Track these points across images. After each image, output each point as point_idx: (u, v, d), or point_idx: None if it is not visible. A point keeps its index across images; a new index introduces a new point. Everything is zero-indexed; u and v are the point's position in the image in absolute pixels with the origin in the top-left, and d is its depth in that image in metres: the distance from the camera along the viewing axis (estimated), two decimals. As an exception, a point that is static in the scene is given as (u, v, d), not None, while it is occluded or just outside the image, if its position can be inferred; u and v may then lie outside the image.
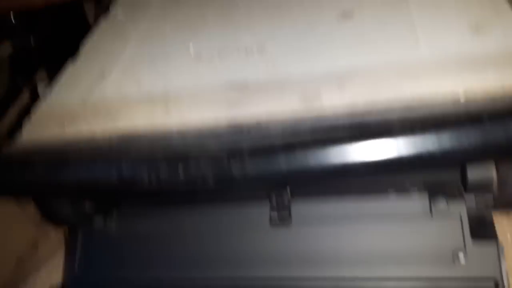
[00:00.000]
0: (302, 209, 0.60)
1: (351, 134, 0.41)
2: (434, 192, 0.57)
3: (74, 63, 0.71)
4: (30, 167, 0.50)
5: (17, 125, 0.66)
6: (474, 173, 0.55)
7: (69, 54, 0.74)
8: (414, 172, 0.57)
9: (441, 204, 0.56)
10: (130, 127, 0.57)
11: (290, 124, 0.49)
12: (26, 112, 0.68)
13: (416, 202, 0.57)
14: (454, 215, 0.55)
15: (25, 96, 0.81)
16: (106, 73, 0.67)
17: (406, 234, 0.56)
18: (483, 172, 0.55)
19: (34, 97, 0.77)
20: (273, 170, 0.40)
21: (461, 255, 0.53)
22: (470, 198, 0.56)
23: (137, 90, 0.63)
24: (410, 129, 0.39)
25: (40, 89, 0.81)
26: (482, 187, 0.55)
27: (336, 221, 0.58)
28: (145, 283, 0.63)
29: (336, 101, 0.51)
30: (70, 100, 0.65)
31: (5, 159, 0.54)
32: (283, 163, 0.40)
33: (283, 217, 0.60)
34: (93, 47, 0.74)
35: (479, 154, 0.38)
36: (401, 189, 0.58)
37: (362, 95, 0.50)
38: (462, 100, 0.46)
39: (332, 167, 0.40)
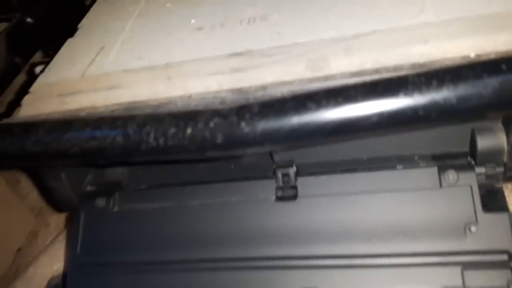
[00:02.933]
0: (308, 186, 0.58)
1: (363, 89, 0.39)
2: (444, 165, 0.55)
3: (73, 39, 0.70)
4: (30, 133, 0.48)
5: (15, 104, 0.65)
6: (485, 144, 0.53)
7: (67, 35, 0.74)
8: (424, 143, 0.56)
9: (451, 177, 0.54)
10: (132, 98, 0.56)
11: (296, 86, 0.48)
12: (23, 92, 0.67)
13: (425, 176, 0.55)
14: (464, 188, 0.53)
15: (22, 77, 0.80)
16: (106, 48, 0.66)
17: (415, 208, 0.54)
18: (494, 143, 0.54)
19: (32, 78, 0.76)
20: (286, 123, 0.39)
21: (472, 228, 0.52)
22: (481, 170, 0.55)
23: (138, 63, 0.61)
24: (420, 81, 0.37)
25: (38, 69, 0.80)
26: (492, 158, 0.54)
27: (343, 198, 0.57)
28: (149, 266, 0.61)
29: (343, 66, 0.50)
30: (69, 74, 0.64)
31: (3, 128, 0.52)
32: (294, 117, 0.38)
33: (289, 195, 0.59)
34: (92, 23, 0.73)
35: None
36: (410, 164, 0.57)
37: (370, 59, 0.49)
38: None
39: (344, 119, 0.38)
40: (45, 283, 0.72)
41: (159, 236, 0.62)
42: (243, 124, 0.39)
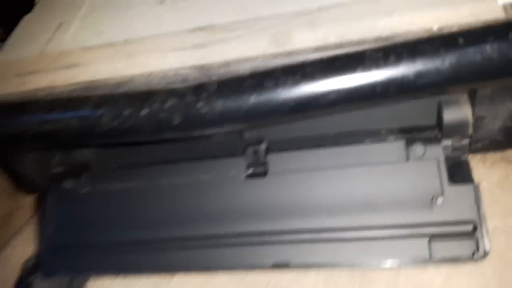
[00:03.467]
0: (278, 163, 0.58)
1: (321, 66, 0.38)
2: (411, 138, 0.55)
3: (31, 14, 0.67)
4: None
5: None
6: (451, 117, 0.53)
7: (25, 10, 0.70)
8: (391, 117, 0.56)
9: (418, 150, 0.54)
10: (92, 76, 0.54)
11: (260, 62, 0.47)
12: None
13: (393, 149, 0.55)
14: (431, 160, 0.54)
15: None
16: (65, 24, 0.64)
17: (383, 182, 0.55)
18: (460, 115, 0.54)
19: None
20: (244, 102, 0.38)
21: (439, 200, 0.52)
22: (447, 143, 0.55)
23: (98, 40, 0.59)
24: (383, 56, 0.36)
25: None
26: (458, 131, 0.54)
27: (313, 174, 0.57)
28: (120, 244, 0.61)
29: (307, 41, 0.49)
30: (28, 52, 0.61)
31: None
32: (252, 95, 0.37)
33: (259, 172, 0.59)
34: (50, -2, 0.70)
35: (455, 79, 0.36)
36: (378, 138, 0.57)
37: (333, 33, 0.48)
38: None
39: (304, 97, 0.37)
40: (20, 264, 0.71)
41: (129, 216, 0.61)
42: (200, 104, 0.38)
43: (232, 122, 0.38)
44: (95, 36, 0.60)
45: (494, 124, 0.53)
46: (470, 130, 0.54)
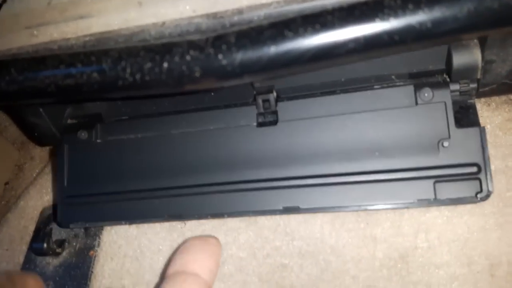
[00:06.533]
0: (288, 111, 0.59)
1: (340, 15, 0.39)
2: (420, 83, 0.56)
3: (35, -38, 0.65)
4: (4, 73, 0.47)
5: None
6: (460, 61, 0.54)
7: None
8: (400, 62, 0.56)
9: (426, 94, 0.56)
10: (104, 27, 0.54)
11: (273, 9, 0.47)
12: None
13: (402, 94, 0.56)
14: (438, 104, 0.55)
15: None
16: (71, -28, 0.62)
17: (391, 126, 0.56)
18: (469, 60, 0.54)
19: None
20: (264, 53, 0.38)
21: (445, 143, 0.54)
22: (455, 87, 0.56)
23: (107, -12, 0.58)
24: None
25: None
26: (467, 75, 0.55)
27: (323, 120, 0.58)
28: (134, 193, 0.63)
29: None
30: (35, 3, 0.60)
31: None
32: (272, 46, 0.38)
33: (270, 121, 0.60)
34: None
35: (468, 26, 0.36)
36: (388, 83, 0.58)
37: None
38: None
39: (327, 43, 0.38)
40: (36, 214, 0.75)
41: (143, 165, 0.63)
42: (220, 56, 0.39)
43: (253, 73, 0.39)
44: (103, -15, 0.59)
45: (503, 68, 0.53)
46: (479, 75, 0.55)
